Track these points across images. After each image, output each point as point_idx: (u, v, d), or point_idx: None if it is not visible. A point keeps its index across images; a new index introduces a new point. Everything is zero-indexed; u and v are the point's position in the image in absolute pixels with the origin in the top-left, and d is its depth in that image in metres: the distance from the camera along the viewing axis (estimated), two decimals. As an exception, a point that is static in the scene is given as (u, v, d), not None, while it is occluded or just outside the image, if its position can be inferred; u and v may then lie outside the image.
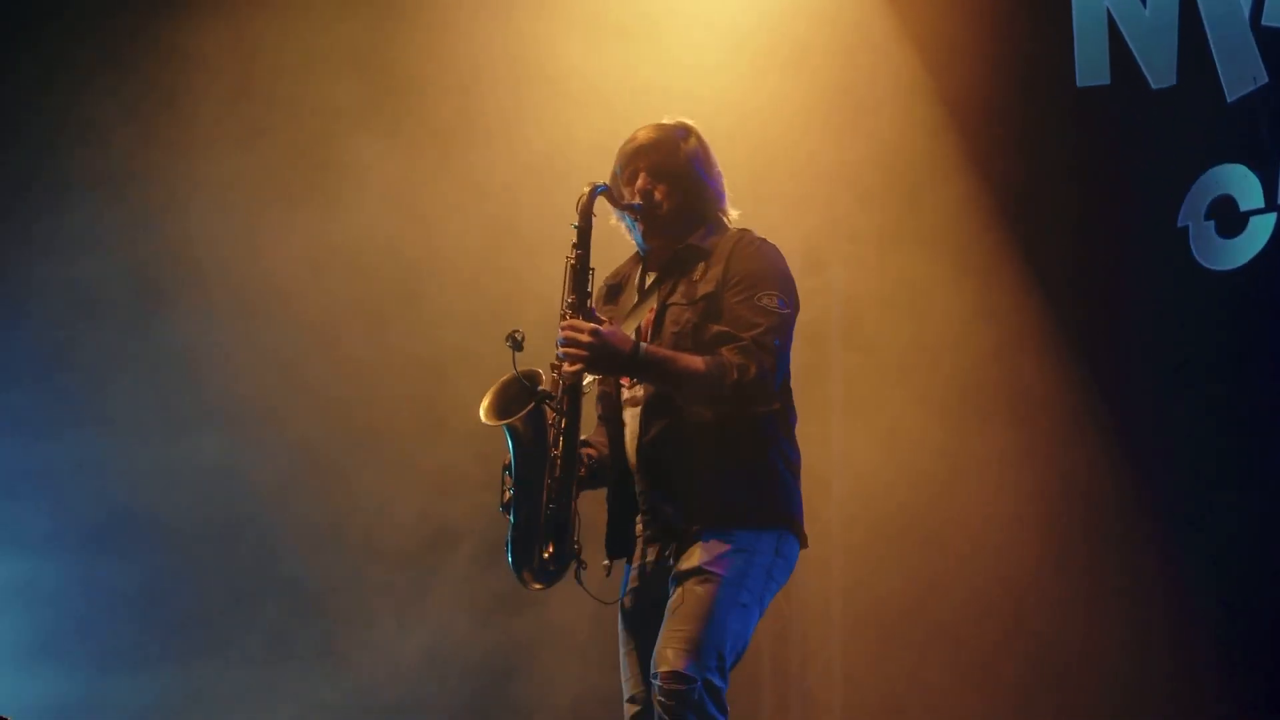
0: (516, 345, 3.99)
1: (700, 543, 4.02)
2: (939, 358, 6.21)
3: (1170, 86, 5.96)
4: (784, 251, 4.23)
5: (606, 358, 3.99)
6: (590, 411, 4.27)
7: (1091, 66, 6.12)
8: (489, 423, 4.08)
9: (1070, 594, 6.02)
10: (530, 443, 4.09)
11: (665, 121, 4.25)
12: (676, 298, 4.14)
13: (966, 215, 6.31)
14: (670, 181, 4.18)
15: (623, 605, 4.23)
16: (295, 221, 6.52)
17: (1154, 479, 5.94)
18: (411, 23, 6.64)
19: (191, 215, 6.54)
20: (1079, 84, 6.13)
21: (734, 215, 4.27)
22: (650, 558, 4.13)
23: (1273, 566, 5.63)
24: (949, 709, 6.14)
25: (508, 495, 4.11)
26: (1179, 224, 5.91)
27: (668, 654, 3.94)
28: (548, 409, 4.07)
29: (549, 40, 6.53)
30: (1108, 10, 6.07)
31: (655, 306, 4.17)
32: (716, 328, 4.05)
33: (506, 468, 4.12)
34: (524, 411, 4.05)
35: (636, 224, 4.22)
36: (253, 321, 6.55)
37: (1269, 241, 5.72)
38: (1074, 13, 6.14)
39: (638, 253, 4.32)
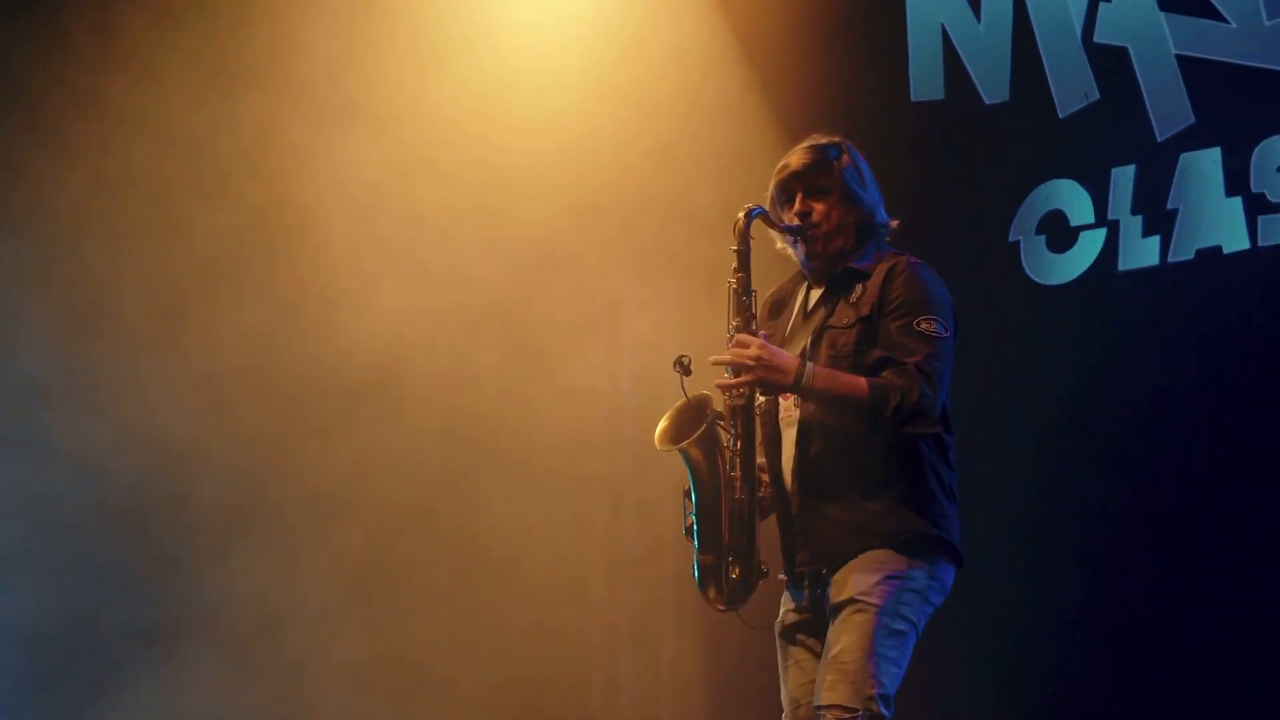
0: (685, 370, 4.07)
1: (854, 570, 4.02)
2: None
3: (1003, 102, 6.01)
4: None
5: (773, 374, 3.99)
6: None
7: (925, 81, 6.14)
8: (663, 448, 4.13)
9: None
10: (706, 467, 4.13)
11: (818, 140, 4.26)
12: (835, 321, 4.14)
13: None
14: (827, 200, 4.20)
15: (782, 624, 4.23)
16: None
17: (980, 490, 5.83)
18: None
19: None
20: (913, 98, 6.15)
21: (893, 226, 4.28)
22: (809, 579, 4.14)
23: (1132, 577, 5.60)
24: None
25: (689, 521, 4.16)
26: (1010, 238, 5.96)
27: (829, 687, 3.95)
28: (721, 430, 4.11)
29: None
30: (942, 26, 6.10)
31: (815, 329, 4.16)
32: (878, 352, 4.05)
33: (686, 494, 4.17)
34: (696, 434, 4.09)
35: (798, 245, 4.21)
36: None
37: (1098, 256, 5.78)
38: (909, 28, 6.16)
39: (801, 270, 4.32)
